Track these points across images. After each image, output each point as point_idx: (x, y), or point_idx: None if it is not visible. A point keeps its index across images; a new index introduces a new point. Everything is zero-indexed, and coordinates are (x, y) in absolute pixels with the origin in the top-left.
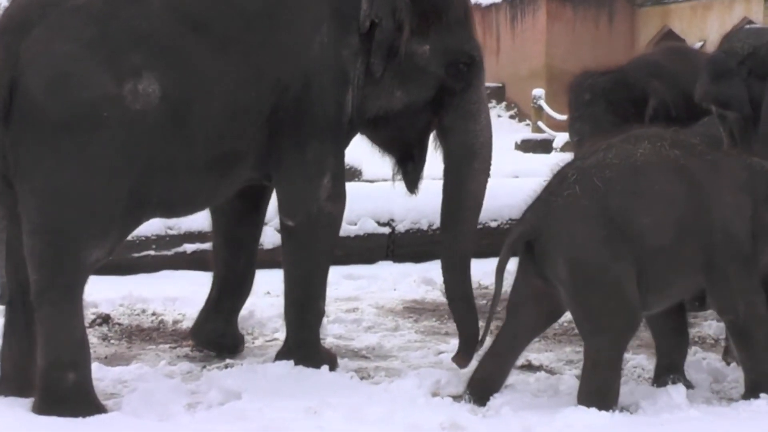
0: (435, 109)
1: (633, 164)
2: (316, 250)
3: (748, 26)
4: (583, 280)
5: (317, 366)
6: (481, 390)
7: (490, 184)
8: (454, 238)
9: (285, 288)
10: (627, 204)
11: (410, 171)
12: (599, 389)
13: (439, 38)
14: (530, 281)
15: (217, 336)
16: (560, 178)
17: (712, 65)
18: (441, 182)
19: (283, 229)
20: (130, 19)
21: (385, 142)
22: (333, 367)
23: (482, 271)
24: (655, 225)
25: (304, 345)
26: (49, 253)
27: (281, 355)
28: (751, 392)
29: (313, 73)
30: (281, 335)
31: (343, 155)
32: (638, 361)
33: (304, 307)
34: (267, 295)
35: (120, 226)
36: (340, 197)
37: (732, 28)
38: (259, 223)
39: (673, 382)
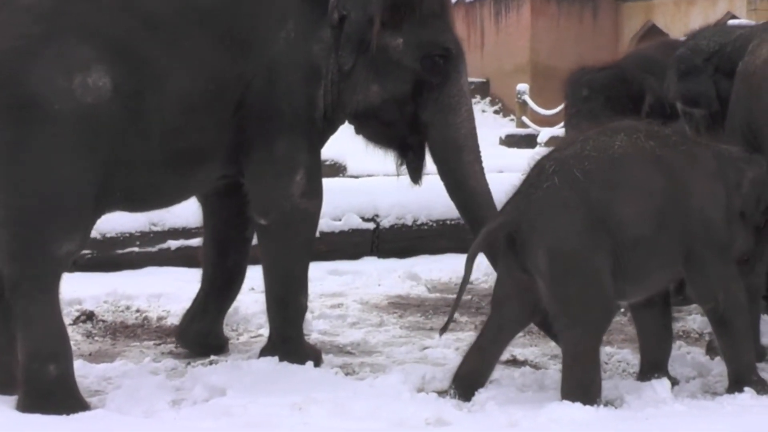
0: (416, 102)
1: (611, 156)
2: (293, 247)
3: (730, 21)
4: (563, 270)
5: (301, 362)
6: (466, 385)
7: None
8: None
9: (265, 285)
10: (607, 196)
11: (411, 161)
12: (581, 383)
13: (413, 31)
14: (513, 275)
15: (203, 337)
16: (538, 170)
17: (678, 63)
18: (426, 177)
19: (257, 228)
20: (80, 14)
21: (377, 137)
22: (317, 362)
23: None
24: (635, 217)
25: (288, 341)
26: (18, 246)
27: (265, 352)
28: (735, 385)
29: (279, 69)
30: (265, 331)
31: (317, 151)
32: (623, 355)
33: (285, 303)
34: (251, 291)
35: (87, 218)
36: (315, 193)
37: (715, 22)
38: (249, 223)
39: (658, 379)
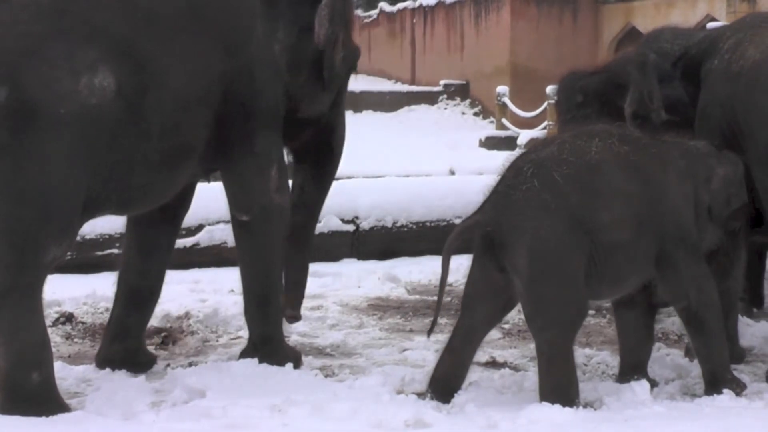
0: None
1: (589, 162)
2: (272, 244)
3: (709, 24)
4: (542, 270)
5: (282, 362)
6: (442, 388)
7: (456, 181)
8: (311, 221)
9: (244, 285)
10: (587, 201)
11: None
12: (559, 384)
13: (347, 45)
14: (487, 275)
15: (128, 355)
16: (515, 171)
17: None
18: (405, 180)
19: (237, 225)
20: (82, 12)
21: (303, 140)
22: (298, 363)
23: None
24: (613, 222)
25: (269, 341)
26: (11, 256)
27: (246, 354)
28: (712, 385)
29: (256, 67)
30: (245, 333)
31: (282, 147)
32: (602, 357)
33: (265, 301)
34: (231, 293)
35: (77, 223)
36: (285, 188)
37: (695, 25)
38: (175, 232)
39: (637, 380)
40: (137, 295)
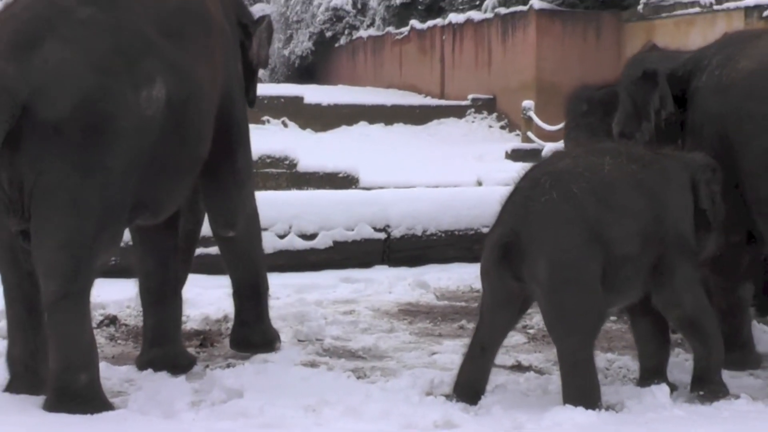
0: None
1: (602, 178)
2: (256, 241)
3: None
4: (562, 280)
5: (272, 341)
6: (467, 393)
7: (483, 191)
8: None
9: (235, 279)
10: (602, 215)
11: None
12: (582, 389)
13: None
14: (503, 283)
15: (168, 358)
16: (532, 182)
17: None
18: (435, 190)
19: (221, 241)
20: (135, 27)
21: None
22: (279, 342)
23: (475, 275)
24: (625, 236)
25: (261, 318)
26: (68, 265)
27: (235, 332)
28: (697, 382)
29: (233, 83)
30: (282, 335)
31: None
32: (624, 362)
33: (258, 286)
34: None
35: (124, 229)
36: (254, 194)
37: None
38: (177, 232)
39: (658, 384)
40: (163, 299)
